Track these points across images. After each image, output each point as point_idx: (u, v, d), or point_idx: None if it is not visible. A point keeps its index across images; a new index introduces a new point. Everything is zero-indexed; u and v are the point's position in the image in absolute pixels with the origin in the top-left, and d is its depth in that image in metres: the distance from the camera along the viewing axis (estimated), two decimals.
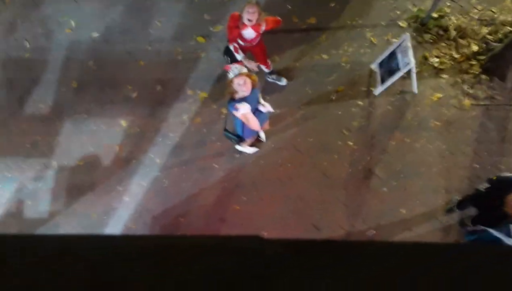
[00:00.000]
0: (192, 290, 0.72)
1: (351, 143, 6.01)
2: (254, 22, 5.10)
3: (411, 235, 5.45)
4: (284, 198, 5.79)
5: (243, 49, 5.55)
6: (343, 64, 6.47)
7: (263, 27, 5.26)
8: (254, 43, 5.52)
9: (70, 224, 5.88)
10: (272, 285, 0.75)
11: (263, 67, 6.10)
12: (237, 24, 5.20)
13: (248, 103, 4.72)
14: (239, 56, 5.42)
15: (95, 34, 6.95)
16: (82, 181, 6.11)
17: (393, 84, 6.10)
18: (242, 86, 4.61)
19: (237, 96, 4.69)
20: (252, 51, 5.76)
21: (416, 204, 5.66)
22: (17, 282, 0.69)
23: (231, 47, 5.40)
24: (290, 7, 6.89)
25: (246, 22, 5.12)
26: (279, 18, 5.39)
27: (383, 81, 6.06)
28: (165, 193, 5.98)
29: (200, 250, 0.81)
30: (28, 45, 6.95)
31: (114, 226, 5.85)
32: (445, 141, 5.94)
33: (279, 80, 6.37)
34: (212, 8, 7.01)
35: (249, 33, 5.30)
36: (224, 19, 6.93)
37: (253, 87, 4.72)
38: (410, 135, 6.00)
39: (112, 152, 6.26)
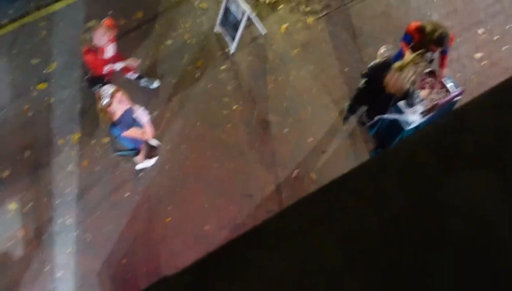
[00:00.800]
0: None
1: (235, 106, 6.15)
2: (110, 36, 5.02)
3: (327, 156, 5.84)
4: (205, 187, 5.83)
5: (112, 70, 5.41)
6: (188, 41, 6.47)
7: (111, 34, 5.10)
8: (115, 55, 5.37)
9: None
10: None
11: (129, 75, 5.96)
12: (96, 55, 4.98)
13: (126, 119, 4.69)
14: (119, 65, 5.27)
15: None
16: (2, 286, 5.59)
17: (242, 36, 6.25)
18: (122, 103, 4.55)
19: (116, 117, 4.62)
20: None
21: (316, 127, 6.02)
22: None
23: (105, 71, 5.21)
24: (111, 12, 6.61)
25: (104, 43, 4.97)
26: (108, 17, 5.24)
27: (231, 38, 6.19)
28: (93, 246, 5.70)
29: None
30: None
31: None
32: (310, 62, 6.31)
33: (151, 83, 6.20)
34: (33, 50, 6.50)
35: (110, 49, 5.15)
36: (53, 55, 6.49)
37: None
38: (280, 73, 6.28)
39: (18, 239, 5.76)
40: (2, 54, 6.50)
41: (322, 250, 0.83)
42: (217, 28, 6.40)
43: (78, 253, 5.67)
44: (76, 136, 6.13)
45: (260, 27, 6.32)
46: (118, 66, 5.35)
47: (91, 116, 6.17)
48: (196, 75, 6.30)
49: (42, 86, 6.35)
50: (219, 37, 6.47)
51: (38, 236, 5.77)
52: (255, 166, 5.87)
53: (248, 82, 6.27)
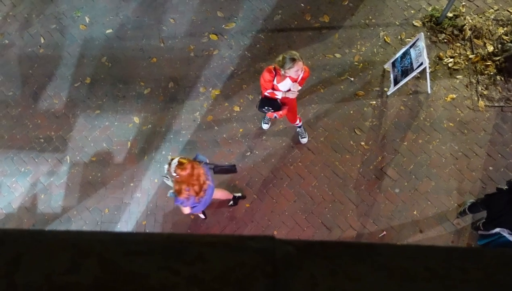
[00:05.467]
0: (202, 286, 0.74)
1: (363, 143, 5.99)
2: (297, 75, 4.84)
3: (422, 237, 5.42)
4: (294, 197, 5.80)
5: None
6: (355, 63, 6.44)
7: (300, 76, 4.91)
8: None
9: (83, 219, 5.95)
10: (281, 285, 0.76)
11: (294, 124, 5.87)
12: (273, 77, 4.91)
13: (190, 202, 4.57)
14: (279, 93, 5.06)
15: (109, 31, 6.99)
16: (94, 176, 6.17)
17: (406, 84, 6.07)
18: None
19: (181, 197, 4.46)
20: (285, 103, 5.38)
21: (427, 205, 5.62)
22: (32, 277, 0.71)
23: (267, 94, 5.12)
24: (303, 5, 6.87)
25: (291, 74, 4.80)
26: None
27: (396, 81, 6.02)
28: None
29: (212, 248, 0.82)
30: (42, 41, 7.01)
31: (126, 222, 5.90)
32: (458, 142, 5.89)
33: (302, 136, 6.06)
34: (225, 5, 7.01)
35: (285, 85, 4.97)
36: (237, 17, 6.93)
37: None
38: (422, 136, 5.96)
39: (124, 148, 6.30)
40: None
41: None
42: (388, 65, 6.28)
43: (161, 188, 6.01)
44: (216, 92, 6.49)
45: (429, 85, 6.06)
46: (279, 94, 5.11)
47: (236, 83, 6.50)
48: (345, 97, 6.25)
49: (213, 37, 6.83)
50: (384, 73, 6.33)
51: (140, 155, 6.24)
52: (349, 205, 5.67)
53: (387, 128, 6.06)
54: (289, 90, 5.02)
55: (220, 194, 5.35)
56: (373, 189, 5.76)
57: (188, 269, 0.73)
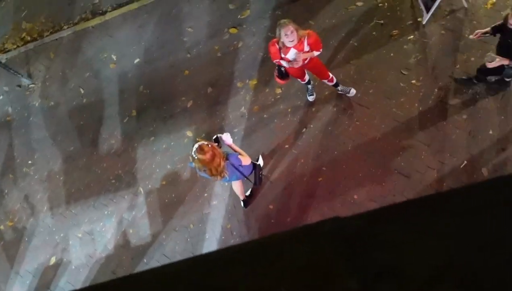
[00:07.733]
0: (290, 281, 0.76)
1: (413, 81, 5.77)
2: (295, 41, 4.84)
3: (506, 155, 5.15)
4: (362, 156, 5.71)
5: (295, 72, 5.41)
6: (380, 4, 6.21)
7: (305, 42, 4.93)
8: (305, 62, 5.20)
9: (173, 240, 6.21)
10: (362, 260, 0.77)
11: (325, 81, 5.75)
12: (276, 49, 5.00)
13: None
14: (285, 63, 5.16)
15: (137, 60, 7.19)
16: (170, 198, 6.41)
17: (439, 6, 5.75)
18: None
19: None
20: (307, 69, 5.50)
21: (501, 120, 5.32)
22: None
23: (276, 62, 5.26)
24: None
25: (287, 44, 4.86)
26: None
27: (427, 7, 5.74)
28: (247, 186, 6.10)
29: (287, 243, 0.84)
30: (82, 91, 7.35)
31: (212, 231, 6.08)
32: None
33: (347, 92, 5.93)
34: None
35: (291, 54, 5.00)
36: (249, 2, 6.88)
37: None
38: (474, 53, 5.64)
39: (188, 163, 6.48)
40: None
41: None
42: None
43: (233, 190, 6.12)
44: (253, 82, 6.51)
45: None
46: (285, 63, 5.17)
47: (270, 66, 6.46)
48: (381, 41, 6.04)
49: (233, 30, 6.84)
50: (413, 4, 6.05)
51: None
52: (422, 147, 5.50)
53: (434, 58, 5.79)
54: (294, 60, 5.04)
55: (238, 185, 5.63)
56: (439, 122, 5.55)
57: (272, 269, 0.76)
